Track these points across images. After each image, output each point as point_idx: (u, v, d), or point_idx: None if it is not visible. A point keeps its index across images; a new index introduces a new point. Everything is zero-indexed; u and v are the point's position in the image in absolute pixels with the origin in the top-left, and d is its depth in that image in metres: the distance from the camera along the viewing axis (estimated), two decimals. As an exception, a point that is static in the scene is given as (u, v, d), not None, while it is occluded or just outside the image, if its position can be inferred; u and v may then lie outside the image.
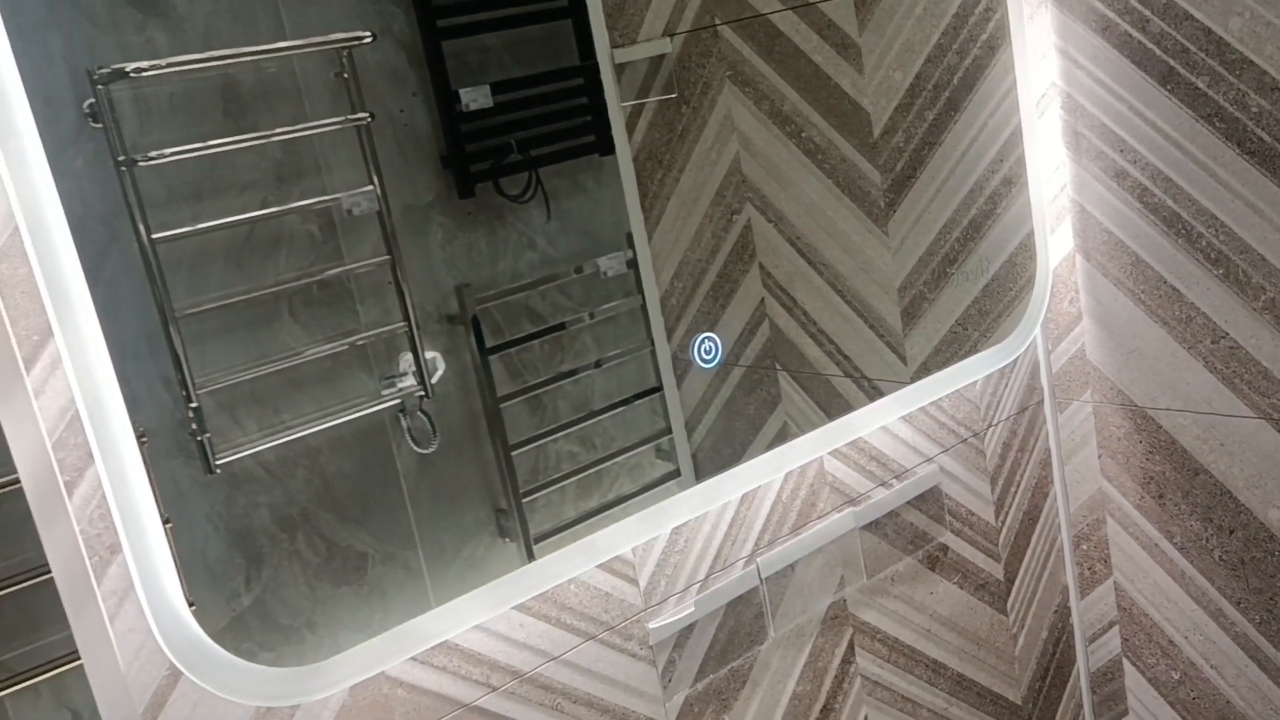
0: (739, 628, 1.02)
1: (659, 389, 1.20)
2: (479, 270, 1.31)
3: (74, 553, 0.72)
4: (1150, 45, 1.01)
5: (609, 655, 0.96)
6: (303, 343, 1.20)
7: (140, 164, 1.08)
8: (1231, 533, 1.06)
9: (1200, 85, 0.98)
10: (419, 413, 1.27)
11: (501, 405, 1.31)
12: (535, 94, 1.29)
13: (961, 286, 1.15)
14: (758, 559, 1.04)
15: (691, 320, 1.22)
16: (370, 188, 1.24)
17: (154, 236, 1.09)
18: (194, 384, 1.12)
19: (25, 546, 1.13)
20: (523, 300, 1.33)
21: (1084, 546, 1.19)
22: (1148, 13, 1.00)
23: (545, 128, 1.30)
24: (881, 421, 1.08)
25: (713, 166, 1.15)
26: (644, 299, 1.18)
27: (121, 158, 1.06)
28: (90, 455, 0.73)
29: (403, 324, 1.26)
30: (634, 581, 0.99)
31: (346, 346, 1.23)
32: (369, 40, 1.21)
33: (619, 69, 1.11)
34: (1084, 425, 1.16)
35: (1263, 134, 0.96)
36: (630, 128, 1.13)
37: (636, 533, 1.00)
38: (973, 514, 1.14)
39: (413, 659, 0.87)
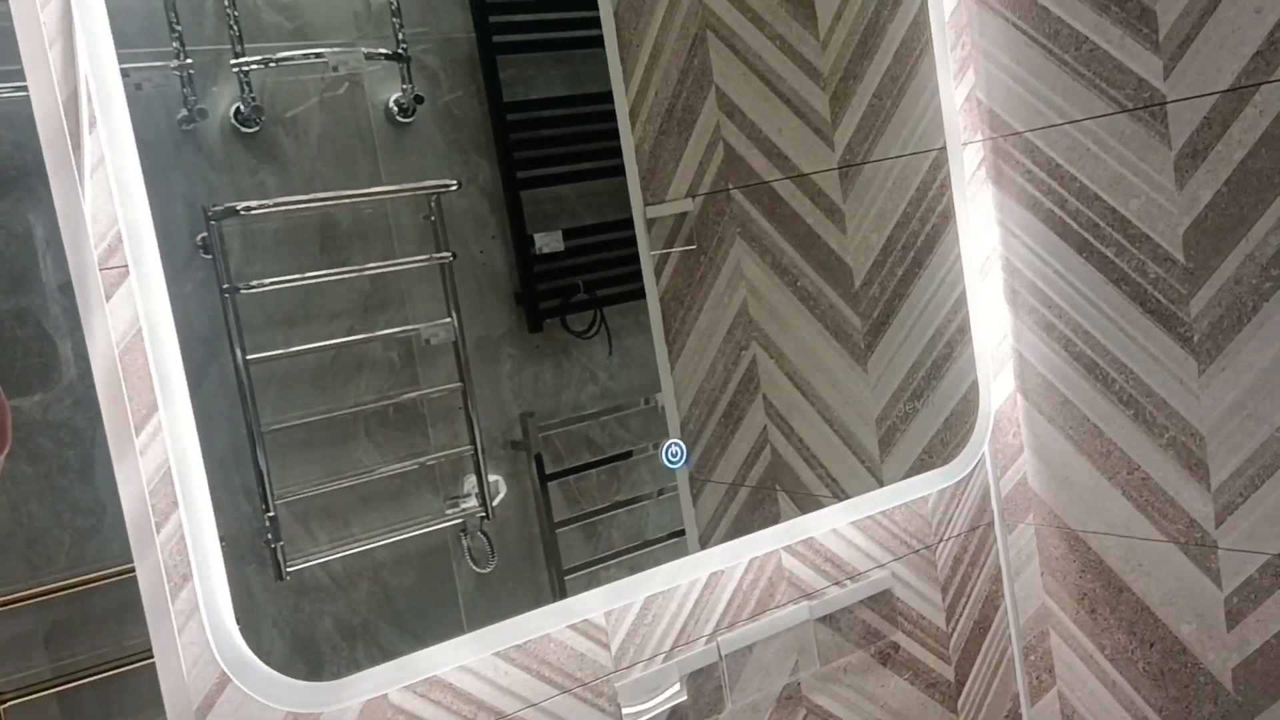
0: (699, 697, 1.11)
1: (674, 489, 1.32)
2: (543, 400, 1.37)
3: (157, 577, 0.91)
4: (1069, 220, 1.18)
5: (581, 708, 1.07)
6: (376, 461, 1.26)
7: (242, 291, 1.18)
8: (1152, 646, 1.18)
9: (1109, 254, 1.15)
10: (479, 533, 1.31)
11: (557, 530, 1.35)
12: (601, 240, 1.38)
13: (926, 419, 1.29)
14: (719, 637, 1.14)
15: (705, 444, 1.30)
16: (448, 320, 1.31)
17: (249, 357, 1.18)
18: (273, 495, 1.19)
19: (129, 632, 1.20)
20: (583, 430, 1.38)
21: (1031, 657, 1.30)
22: (1065, 194, 1.18)
23: (609, 271, 1.38)
24: (833, 525, 1.19)
25: (725, 308, 1.29)
26: (666, 425, 1.30)
27: (226, 285, 1.16)
28: (175, 503, 0.92)
29: (469, 448, 1.31)
30: (606, 646, 1.10)
31: (416, 466, 1.28)
32: (455, 188, 1.30)
33: (650, 223, 1.24)
34: (1028, 545, 1.29)
35: (1159, 296, 1.12)
36: (658, 273, 1.26)
37: (612, 598, 1.12)
38: (924, 618, 1.24)
39: (410, 689, 0.99)
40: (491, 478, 1.33)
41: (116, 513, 1.24)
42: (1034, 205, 1.21)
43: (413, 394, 1.29)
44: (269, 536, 1.20)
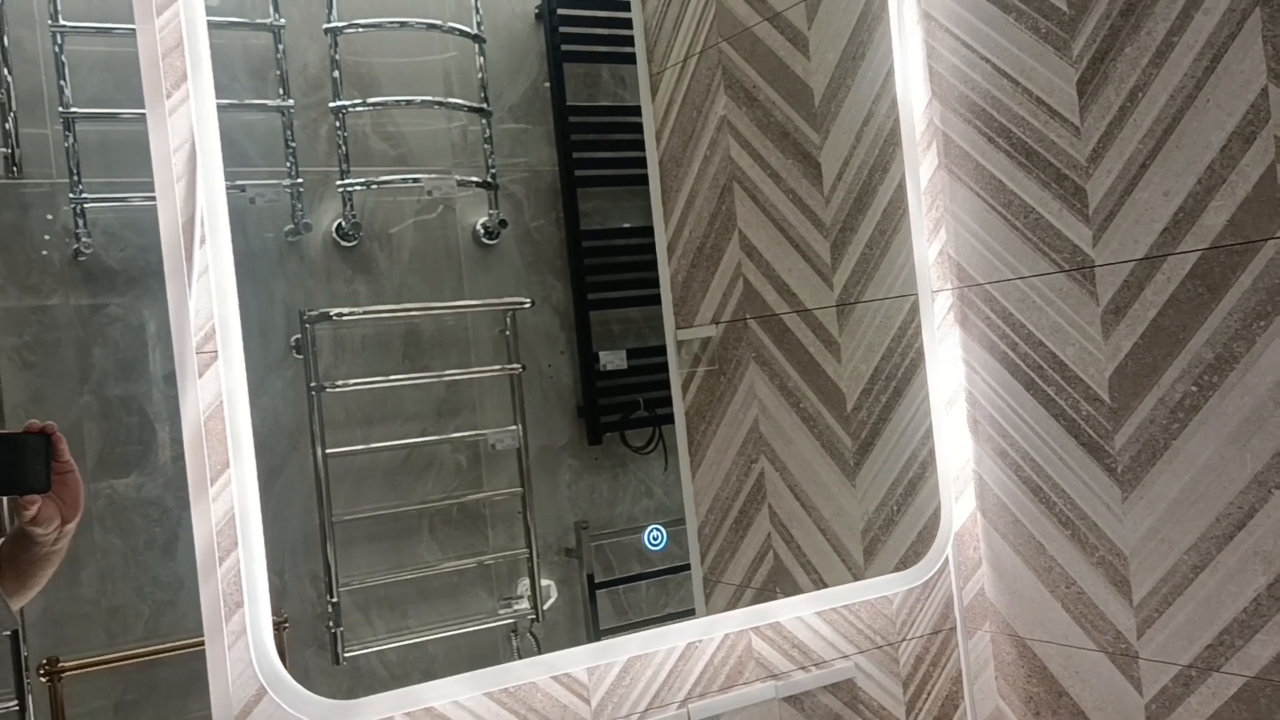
0: (671, 758, 1.20)
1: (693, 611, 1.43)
2: (598, 510, 1.41)
3: (215, 602, 1.07)
4: (1019, 361, 1.34)
5: (561, 755, 1.17)
6: (437, 557, 1.31)
7: (327, 390, 1.26)
8: (1086, 748, 1.27)
9: (1050, 392, 1.31)
10: (529, 634, 1.35)
11: (602, 637, 1.36)
12: (661, 361, 1.44)
13: (902, 531, 1.40)
14: (690, 705, 1.23)
15: (718, 548, 1.39)
16: (514, 428, 1.37)
17: (328, 451, 1.26)
18: (338, 582, 1.26)
19: (193, 705, 1.29)
20: (634, 542, 1.41)
21: (987, 755, 1.40)
22: (1016, 339, 1.33)
23: (668, 391, 1.44)
24: (799, 613, 1.29)
25: (740, 425, 1.40)
26: (685, 529, 1.39)
27: (313, 384, 1.25)
28: (235, 543, 1.08)
29: (525, 551, 1.36)
30: (587, 700, 1.20)
31: (474, 565, 1.34)
32: (529, 306, 1.38)
33: (679, 345, 1.38)
34: (985, 650, 1.40)
35: (1090, 431, 1.26)
36: (684, 390, 1.39)
37: (595, 657, 1.20)
38: (885, 709, 1.33)
39: (411, 716, 1.11)
40: (544, 582, 1.37)
41: (193, 590, 1.33)
42: (992, 347, 1.36)
43: (476, 496, 1.35)
44: (330, 622, 1.26)
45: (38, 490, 1.06)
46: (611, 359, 1.42)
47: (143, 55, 1.06)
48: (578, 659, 1.18)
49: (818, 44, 1.40)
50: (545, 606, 1.38)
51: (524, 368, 1.37)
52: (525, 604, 1.37)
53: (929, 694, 1.36)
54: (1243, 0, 1.06)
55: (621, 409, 1.43)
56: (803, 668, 1.29)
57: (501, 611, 1.36)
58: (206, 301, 1.07)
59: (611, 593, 1.41)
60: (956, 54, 1.35)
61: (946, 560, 1.38)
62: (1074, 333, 1.26)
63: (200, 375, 1.08)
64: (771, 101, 1.41)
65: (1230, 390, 1.12)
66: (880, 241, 1.41)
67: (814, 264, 1.42)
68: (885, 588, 1.34)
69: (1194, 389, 1.16)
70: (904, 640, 1.35)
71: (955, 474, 1.40)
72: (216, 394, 1.08)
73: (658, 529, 1.36)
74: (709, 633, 1.24)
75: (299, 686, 1.07)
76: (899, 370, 1.41)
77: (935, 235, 1.40)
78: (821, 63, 1.40)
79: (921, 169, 1.39)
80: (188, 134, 1.07)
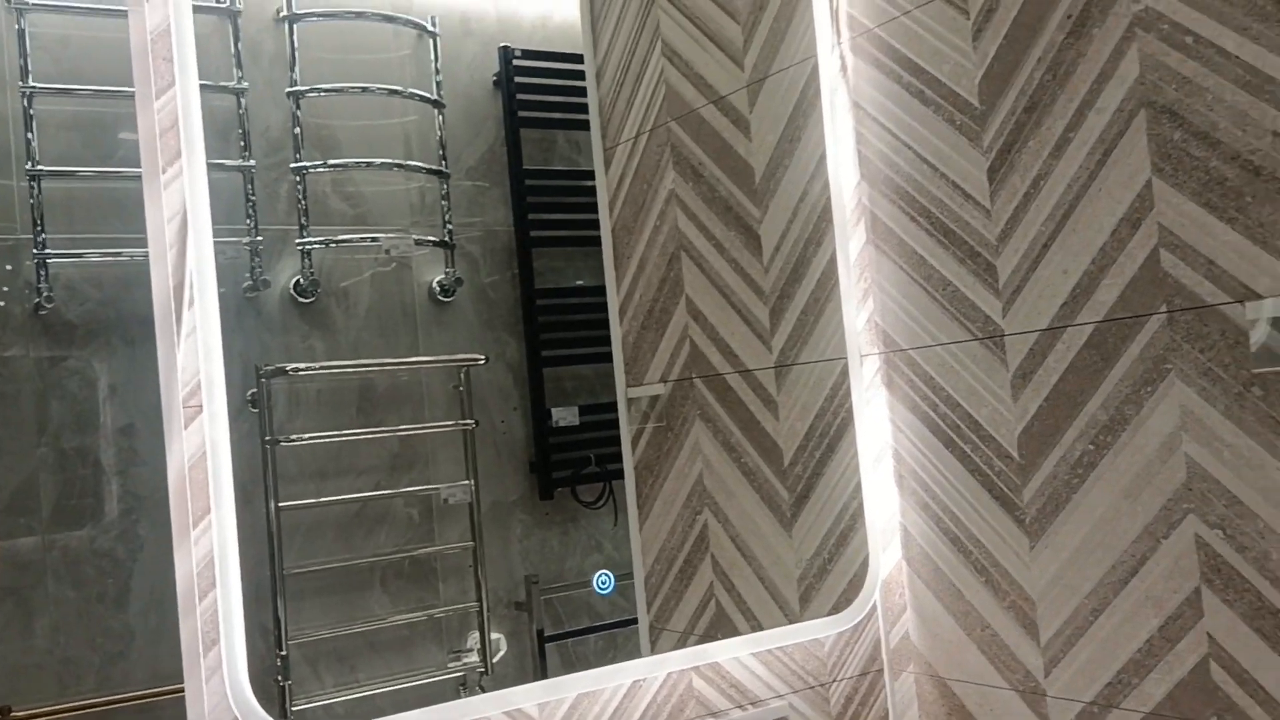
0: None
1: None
2: (549, 565, 1.42)
3: (194, 637, 1.13)
4: (939, 421, 1.42)
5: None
6: (387, 610, 1.31)
7: (282, 443, 1.26)
8: (999, 782, 1.35)
9: (967, 450, 1.39)
10: (478, 687, 1.35)
11: (552, 690, 1.38)
12: (612, 418, 1.47)
13: (835, 580, 1.47)
14: None
15: (664, 597, 1.42)
16: (467, 483, 1.37)
17: (281, 504, 1.26)
18: (287, 635, 1.25)
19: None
20: (584, 596, 1.42)
21: (911, 791, 1.47)
22: (936, 400, 1.42)
23: (619, 447, 1.46)
24: (737, 654, 1.37)
25: (685, 478, 1.45)
26: (633, 581, 1.42)
27: (268, 438, 1.25)
28: (214, 583, 1.14)
29: (476, 604, 1.36)
30: None
31: (425, 618, 1.33)
32: (483, 362, 1.39)
33: (629, 403, 1.42)
34: (910, 690, 1.47)
35: (1002, 485, 1.35)
36: (634, 445, 1.43)
37: (547, 693, 1.27)
38: None
39: None
40: (494, 635, 1.37)
41: (145, 641, 1.32)
42: (915, 408, 1.45)
43: (428, 549, 1.34)
44: (279, 675, 1.25)
45: None
46: (564, 415, 1.43)
47: (142, 134, 1.15)
48: (530, 695, 1.24)
49: (758, 127, 1.48)
50: (495, 659, 1.38)
51: (477, 423, 1.38)
52: (475, 657, 1.37)
53: (860, 732, 1.42)
54: (1130, 102, 1.17)
55: (573, 464, 1.44)
56: (740, 706, 1.36)
57: (451, 664, 1.35)
58: (193, 359, 1.15)
59: (560, 646, 1.41)
60: (883, 140, 1.46)
61: (874, 606, 1.46)
62: (987, 395, 1.35)
63: (186, 427, 1.15)
64: (716, 178, 1.48)
65: (1122, 449, 1.22)
66: (814, 308, 1.49)
67: (754, 328, 1.49)
68: (817, 631, 1.41)
69: (1091, 447, 1.25)
70: (835, 681, 1.42)
71: (882, 526, 1.48)
72: (200, 445, 1.16)
73: (605, 574, 1.40)
74: (653, 671, 1.31)
75: (268, 715, 1.13)
76: (831, 428, 1.49)
77: (864, 304, 1.49)
78: (762, 144, 1.49)
79: (851, 244, 1.49)
80: (180, 206, 1.16)
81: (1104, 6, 1.20)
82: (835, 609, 1.45)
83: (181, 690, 1.29)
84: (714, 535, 1.44)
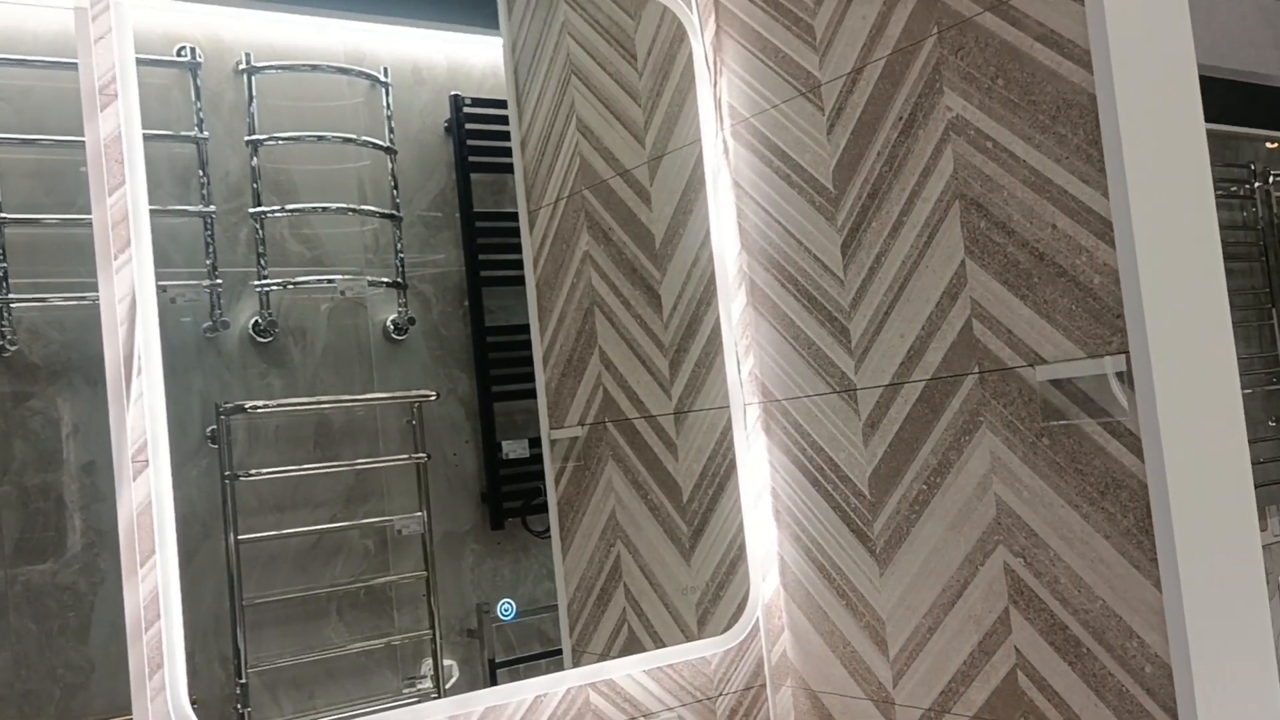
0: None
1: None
2: (500, 593, 1.44)
3: (140, 663, 1.23)
4: (807, 463, 1.56)
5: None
6: (344, 639, 1.33)
7: (241, 479, 1.28)
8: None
9: (829, 489, 1.53)
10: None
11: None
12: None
13: (725, 605, 1.59)
14: None
15: (584, 621, 1.50)
16: (420, 514, 1.39)
17: (240, 537, 1.27)
18: (247, 664, 1.26)
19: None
20: (534, 623, 1.46)
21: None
22: (804, 445, 1.56)
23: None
24: (629, 670, 1.48)
25: (600, 513, 1.53)
26: (558, 610, 1.50)
27: (228, 473, 1.27)
28: (158, 615, 1.25)
29: (429, 632, 1.38)
30: None
31: (381, 646, 1.35)
32: (434, 398, 1.42)
33: (552, 443, 1.51)
34: (788, 702, 1.60)
35: (857, 520, 1.49)
36: (557, 482, 1.52)
37: (456, 707, 1.37)
38: None
39: None
40: (446, 662, 1.39)
41: (105, 672, 1.29)
42: (788, 451, 1.59)
43: (383, 579, 1.36)
44: (239, 704, 1.26)
45: None
46: (514, 448, 1.47)
47: (96, 226, 1.26)
48: (441, 709, 1.33)
49: (657, 198, 1.60)
50: (447, 686, 1.40)
51: (430, 456, 1.40)
52: (428, 683, 1.38)
53: (744, 740, 1.54)
54: (947, 194, 1.31)
55: (524, 495, 1.47)
56: (633, 719, 1.45)
57: (405, 691, 1.37)
58: (140, 420, 1.26)
59: (512, 671, 1.44)
60: (758, 216, 1.59)
61: (756, 627, 1.57)
62: (844, 441, 1.48)
63: (134, 479, 1.25)
64: (623, 241, 1.58)
65: (948, 489, 1.36)
66: (706, 361, 1.61)
67: (656, 377, 1.59)
68: (704, 649, 1.52)
69: (925, 487, 1.39)
70: (721, 695, 1.52)
71: (762, 555, 1.61)
72: (146, 494, 1.24)
73: (508, 603, 1.45)
74: (554, 687, 1.40)
75: None
76: (721, 469, 1.61)
77: (746, 359, 1.63)
78: (660, 213, 1.61)
79: (734, 305, 1.62)
80: (129, 288, 1.28)
81: (926, 110, 1.34)
82: (724, 630, 1.57)
83: (138, 721, 1.34)
84: (625, 565, 1.53)
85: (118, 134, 1.26)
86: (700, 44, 1.64)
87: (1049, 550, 1.23)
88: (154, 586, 1.21)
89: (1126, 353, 1.14)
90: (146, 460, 1.24)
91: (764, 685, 1.57)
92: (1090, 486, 1.18)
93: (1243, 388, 1.93)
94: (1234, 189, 2.08)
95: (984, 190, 1.28)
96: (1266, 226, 2.11)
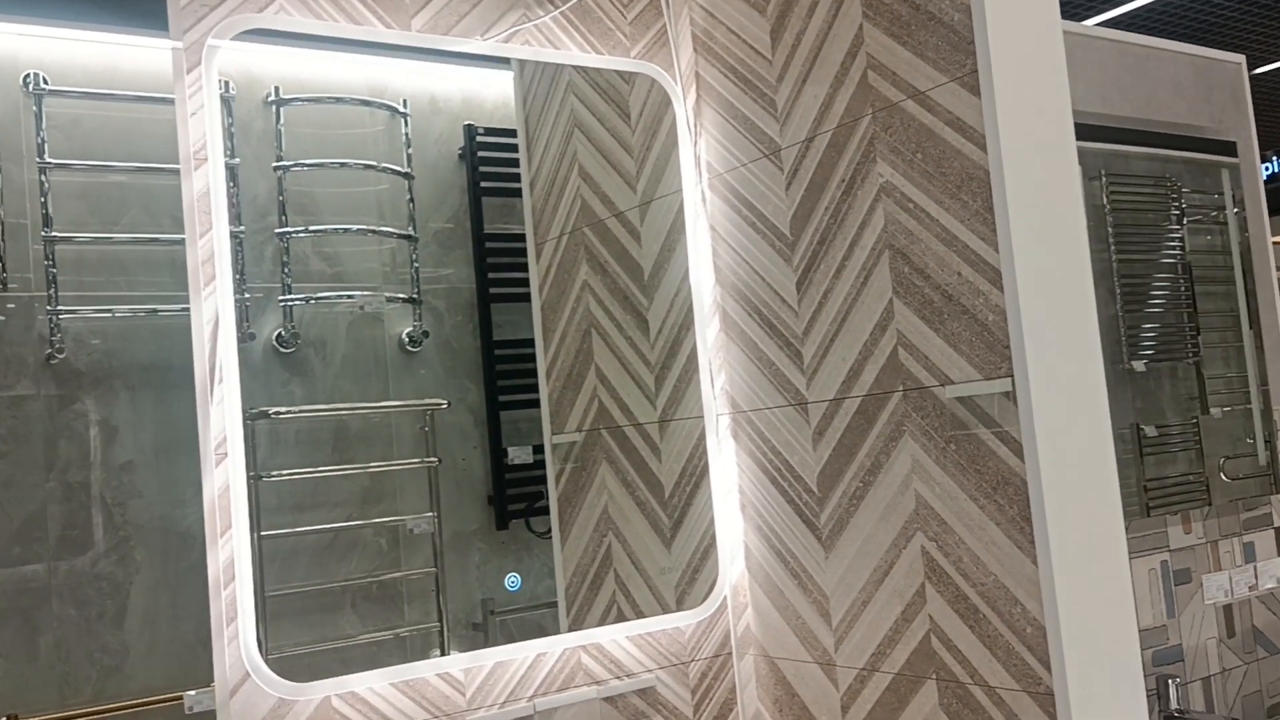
0: (519, 738, 1.52)
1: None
2: (503, 589, 1.49)
3: (219, 616, 1.34)
4: (768, 465, 1.73)
5: (446, 733, 1.46)
6: (357, 630, 1.36)
7: (264, 479, 1.34)
8: (813, 733, 1.69)
9: (784, 486, 1.70)
10: (436, 697, 1.42)
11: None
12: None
13: (700, 585, 1.69)
14: (535, 700, 1.49)
15: (579, 604, 1.57)
16: (430, 514, 1.43)
17: (263, 533, 1.33)
18: (268, 650, 1.33)
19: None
20: (536, 618, 1.51)
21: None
22: (766, 450, 1.73)
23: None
24: (614, 637, 1.63)
25: (595, 508, 1.64)
26: (557, 596, 1.60)
27: (252, 473, 1.32)
28: (234, 577, 1.36)
29: (437, 625, 1.42)
30: (463, 693, 1.47)
31: (391, 637, 1.39)
32: (445, 406, 1.46)
33: (554, 447, 1.62)
34: (750, 668, 1.74)
35: (807, 511, 1.66)
36: (557, 481, 1.62)
37: (471, 660, 1.48)
38: (678, 709, 1.64)
39: (341, 698, 1.40)
40: (453, 653, 1.44)
41: (138, 655, 1.44)
42: (753, 454, 1.73)
43: (395, 575, 1.40)
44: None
45: None
46: (519, 454, 1.51)
47: (190, 263, 1.38)
48: (458, 662, 1.44)
49: (647, 237, 1.73)
50: None
51: (440, 461, 1.43)
52: None
53: (711, 700, 1.69)
54: (879, 244, 1.51)
55: (527, 498, 1.51)
56: (617, 677, 1.59)
57: None
58: (220, 420, 1.36)
59: None
60: (730, 255, 1.78)
61: (724, 603, 1.72)
62: (797, 446, 1.65)
63: (216, 467, 1.36)
64: (617, 273, 1.71)
65: (879, 486, 1.53)
66: (685, 377, 1.72)
67: (644, 391, 1.68)
68: (679, 621, 1.66)
69: (861, 485, 1.56)
70: (693, 660, 1.67)
71: (730, 543, 1.77)
72: (226, 480, 1.36)
73: (514, 575, 1.51)
74: (551, 648, 1.52)
75: (271, 674, 1.33)
76: (697, 469, 1.70)
77: (718, 376, 1.79)
78: (649, 250, 1.74)
79: (709, 330, 1.79)
80: (214, 313, 1.38)
81: (863, 175, 1.54)
82: (698, 605, 1.68)
83: (170, 699, 1.42)
84: (616, 553, 1.62)
85: (207, 190, 1.37)
86: (683, 109, 1.81)
87: (955, 535, 1.43)
88: (230, 554, 1.34)
89: (1011, 376, 1.33)
90: (226, 452, 1.35)
91: (730, 654, 1.72)
92: (985, 483, 1.37)
93: (1221, 406, 2.02)
94: (1212, 214, 2.09)
95: (907, 242, 1.47)
96: (1243, 251, 2.14)
